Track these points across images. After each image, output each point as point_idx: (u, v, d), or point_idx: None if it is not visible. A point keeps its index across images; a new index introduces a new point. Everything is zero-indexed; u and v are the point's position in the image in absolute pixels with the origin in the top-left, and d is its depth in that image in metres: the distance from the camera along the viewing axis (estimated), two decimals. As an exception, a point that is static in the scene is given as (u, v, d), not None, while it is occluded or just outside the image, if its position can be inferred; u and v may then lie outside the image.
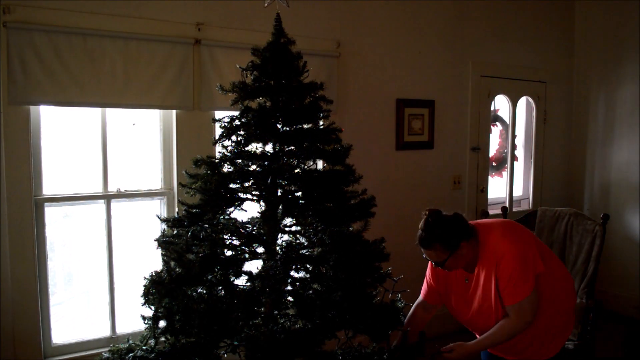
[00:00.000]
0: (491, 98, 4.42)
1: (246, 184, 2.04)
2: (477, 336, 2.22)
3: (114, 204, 2.91)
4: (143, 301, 1.99)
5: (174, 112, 3.01)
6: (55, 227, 2.81)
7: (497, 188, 4.70)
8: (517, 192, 4.79)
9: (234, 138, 2.07)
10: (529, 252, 2.06)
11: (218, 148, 2.12)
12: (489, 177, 4.54)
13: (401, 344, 2.18)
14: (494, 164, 4.74)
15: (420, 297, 2.38)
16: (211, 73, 3.01)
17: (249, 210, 2.13)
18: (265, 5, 2.20)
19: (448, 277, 2.26)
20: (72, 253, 2.91)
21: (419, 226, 2.13)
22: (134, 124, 3.03)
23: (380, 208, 2.25)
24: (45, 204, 2.73)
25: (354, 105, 3.62)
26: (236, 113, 2.10)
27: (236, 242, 2.03)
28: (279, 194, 2.06)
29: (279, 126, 2.08)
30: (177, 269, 1.94)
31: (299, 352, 1.92)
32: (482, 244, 2.12)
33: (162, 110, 3.02)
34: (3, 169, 2.57)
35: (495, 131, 4.75)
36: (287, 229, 2.09)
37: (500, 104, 4.70)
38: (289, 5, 2.23)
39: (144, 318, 2.09)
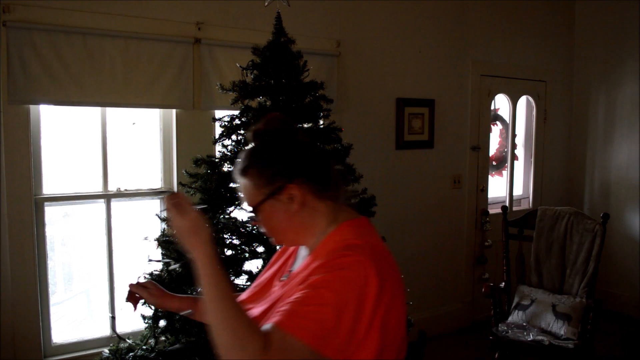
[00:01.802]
0: (491, 97, 4.42)
1: (246, 184, 2.04)
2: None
3: (114, 203, 2.91)
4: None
5: (173, 111, 3.01)
6: (55, 227, 2.81)
7: (497, 187, 4.70)
8: (517, 191, 4.79)
9: (234, 137, 2.07)
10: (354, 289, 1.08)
11: (218, 147, 2.12)
12: (489, 177, 4.53)
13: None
14: (494, 163, 4.73)
15: None
16: (211, 72, 3.01)
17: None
18: (266, 4, 2.20)
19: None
20: (72, 252, 2.91)
21: None
22: (134, 124, 3.03)
23: (380, 207, 2.25)
24: (45, 203, 2.72)
25: (354, 105, 3.61)
26: (236, 112, 2.10)
27: (236, 242, 2.03)
28: (279, 193, 2.06)
29: (279, 125, 2.07)
30: (177, 269, 1.95)
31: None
32: (333, 231, 1.23)
33: (162, 110, 3.02)
34: (3, 168, 2.57)
35: (495, 130, 4.75)
36: (287, 228, 2.09)
37: (500, 103, 4.69)
38: (289, 5, 2.23)
39: (144, 317, 2.09)
